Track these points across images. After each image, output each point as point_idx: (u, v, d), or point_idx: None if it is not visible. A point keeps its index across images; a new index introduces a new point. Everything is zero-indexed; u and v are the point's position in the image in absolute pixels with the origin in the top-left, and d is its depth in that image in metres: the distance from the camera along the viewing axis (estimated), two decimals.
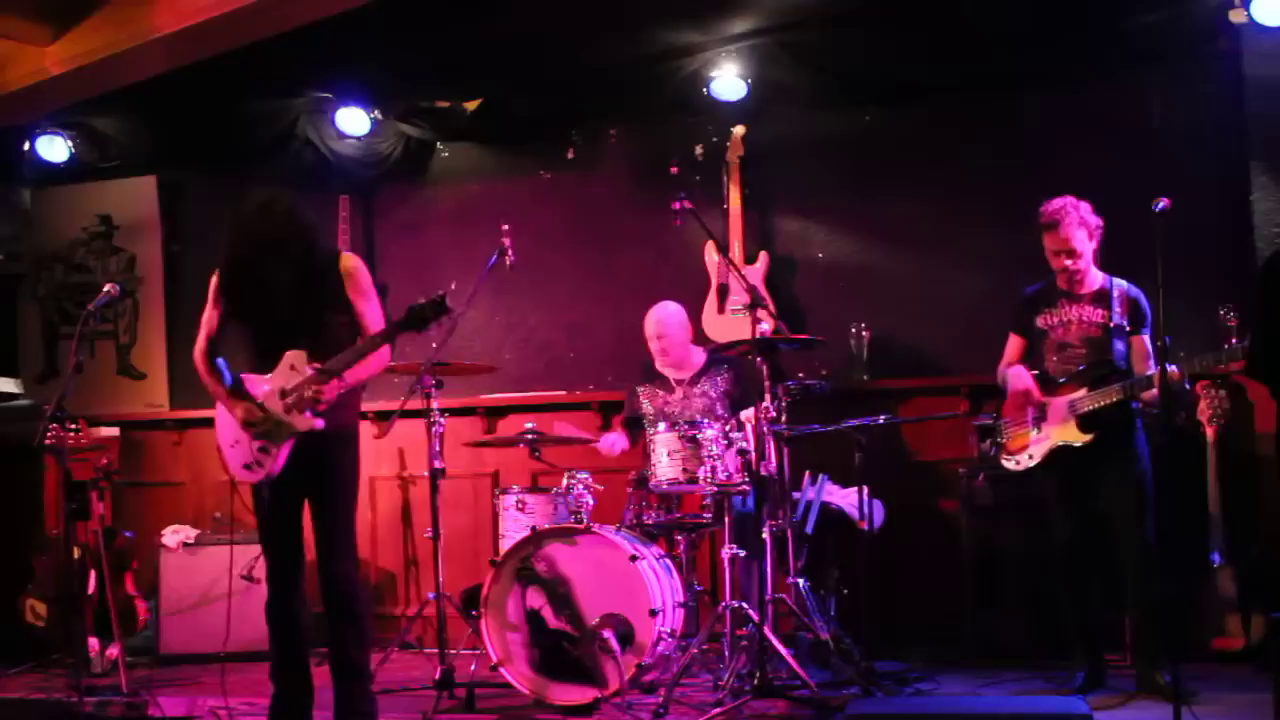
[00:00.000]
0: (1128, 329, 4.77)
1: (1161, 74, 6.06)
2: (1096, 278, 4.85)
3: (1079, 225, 4.73)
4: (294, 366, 4.08)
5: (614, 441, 5.83)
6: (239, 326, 4.26)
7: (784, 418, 5.19)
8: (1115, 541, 4.73)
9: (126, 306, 7.60)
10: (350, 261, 4.24)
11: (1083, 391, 4.71)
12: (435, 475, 5.30)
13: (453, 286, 7.21)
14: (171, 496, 7.37)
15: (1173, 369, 4.36)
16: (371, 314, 4.21)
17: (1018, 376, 4.89)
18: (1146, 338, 4.77)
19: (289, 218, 4.13)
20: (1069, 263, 4.76)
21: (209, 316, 4.27)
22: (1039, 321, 4.90)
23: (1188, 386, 4.71)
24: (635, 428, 5.82)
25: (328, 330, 4.15)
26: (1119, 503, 4.71)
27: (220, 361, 4.27)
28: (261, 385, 4.13)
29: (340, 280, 4.17)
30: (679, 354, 5.80)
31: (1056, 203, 4.78)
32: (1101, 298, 4.81)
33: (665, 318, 5.82)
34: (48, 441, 4.90)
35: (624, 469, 5.58)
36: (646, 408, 5.78)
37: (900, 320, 6.47)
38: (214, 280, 4.28)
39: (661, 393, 5.77)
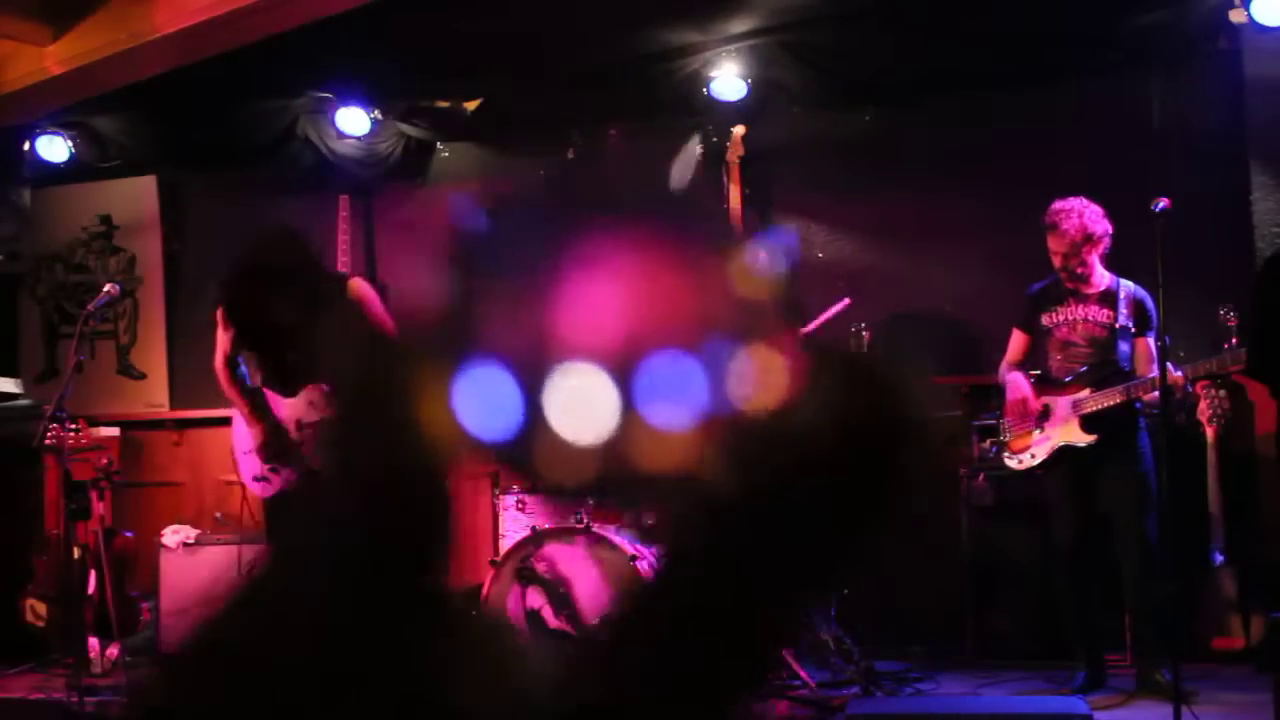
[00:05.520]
0: (1133, 331, 4.77)
1: (1161, 74, 6.06)
2: (1103, 278, 4.84)
3: (1080, 230, 4.72)
4: (313, 402, 4.08)
5: None
6: (251, 354, 4.25)
7: None
8: (1116, 542, 4.73)
9: (126, 306, 7.60)
10: (357, 289, 4.22)
11: (1086, 392, 4.70)
12: None
13: None
14: (171, 496, 7.37)
15: (1177, 374, 4.35)
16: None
17: (1014, 386, 4.88)
18: (1151, 341, 4.75)
19: (292, 255, 4.05)
20: (1068, 264, 4.76)
21: (222, 339, 4.24)
22: (1044, 319, 4.89)
23: (1190, 390, 4.70)
24: None
25: None
26: (1120, 503, 4.71)
27: (243, 370, 4.27)
28: (283, 408, 4.13)
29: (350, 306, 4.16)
30: None
31: (1064, 204, 4.75)
32: (1108, 298, 4.81)
33: None
34: (48, 441, 4.90)
35: None
36: None
37: (900, 320, 6.46)
38: (219, 312, 4.24)
39: None
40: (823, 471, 0.69)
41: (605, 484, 0.70)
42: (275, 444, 4.09)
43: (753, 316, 0.69)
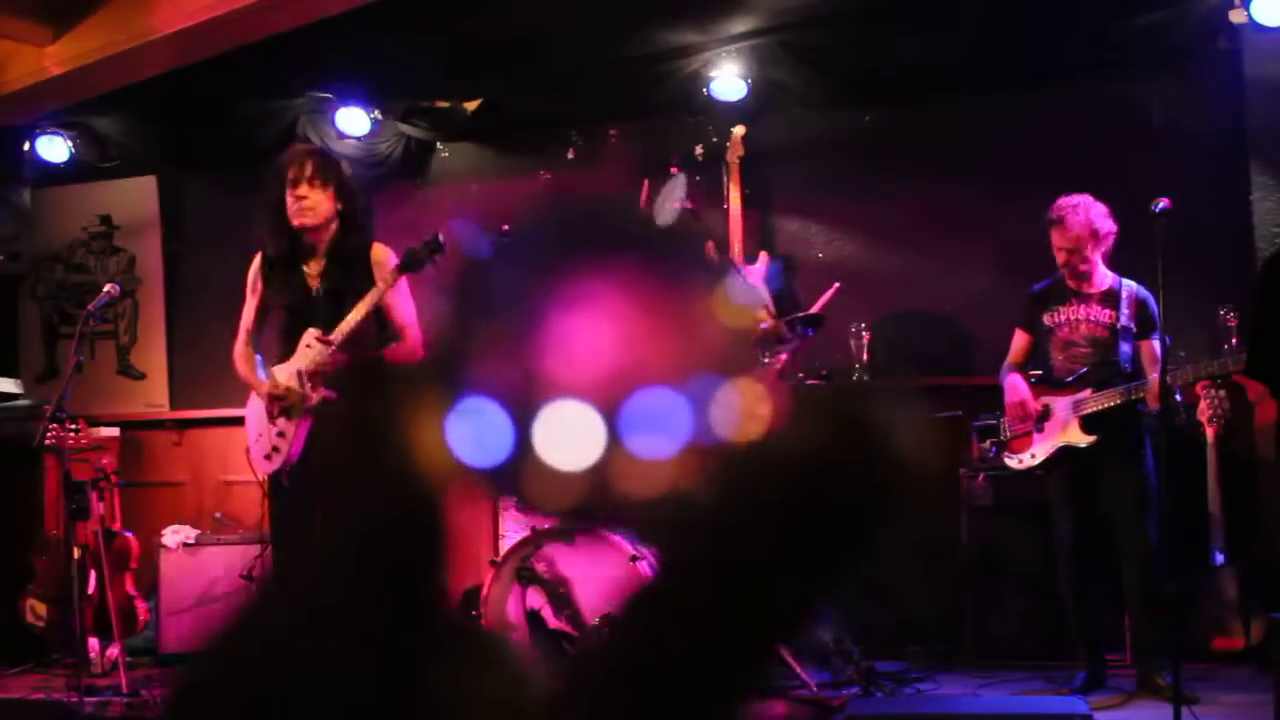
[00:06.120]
0: (1135, 331, 4.77)
1: (1161, 74, 6.06)
2: (1106, 277, 4.84)
3: (1084, 225, 4.72)
4: (309, 345, 4.13)
5: None
6: (272, 313, 4.31)
7: None
8: (1116, 542, 4.73)
9: (126, 306, 7.59)
10: (380, 253, 4.27)
11: (1087, 392, 4.71)
12: None
13: None
14: (171, 496, 7.37)
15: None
16: (400, 305, 4.23)
17: (1012, 388, 4.88)
18: (1155, 342, 4.74)
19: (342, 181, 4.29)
20: (1072, 260, 4.76)
21: (246, 309, 4.33)
22: (1045, 319, 4.90)
23: (1178, 398, 4.70)
24: None
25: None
26: (1121, 503, 4.71)
27: (258, 358, 4.32)
28: (283, 373, 4.19)
29: (369, 270, 4.20)
30: None
31: (1070, 200, 4.76)
32: (1110, 298, 4.81)
33: None
34: (48, 441, 4.90)
35: None
36: None
37: (900, 320, 6.46)
38: (255, 262, 4.32)
39: None
40: (803, 500, 0.71)
41: (591, 508, 0.72)
42: (285, 391, 4.14)
43: (736, 348, 0.71)
